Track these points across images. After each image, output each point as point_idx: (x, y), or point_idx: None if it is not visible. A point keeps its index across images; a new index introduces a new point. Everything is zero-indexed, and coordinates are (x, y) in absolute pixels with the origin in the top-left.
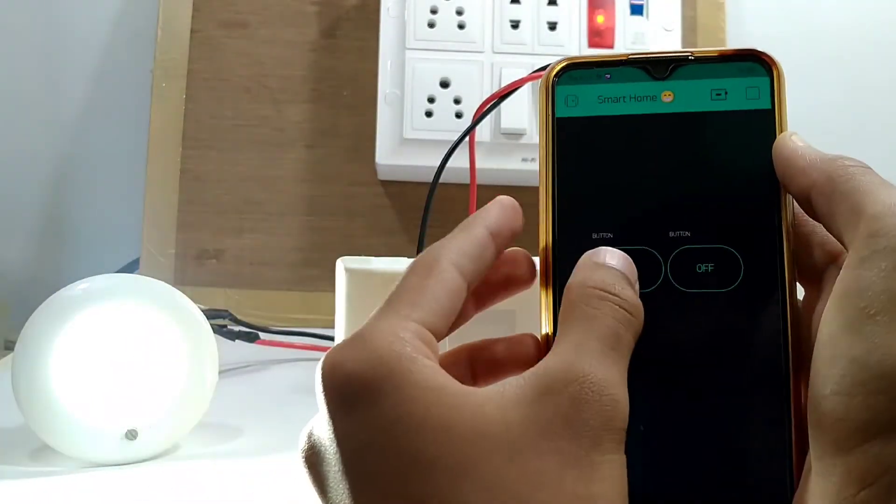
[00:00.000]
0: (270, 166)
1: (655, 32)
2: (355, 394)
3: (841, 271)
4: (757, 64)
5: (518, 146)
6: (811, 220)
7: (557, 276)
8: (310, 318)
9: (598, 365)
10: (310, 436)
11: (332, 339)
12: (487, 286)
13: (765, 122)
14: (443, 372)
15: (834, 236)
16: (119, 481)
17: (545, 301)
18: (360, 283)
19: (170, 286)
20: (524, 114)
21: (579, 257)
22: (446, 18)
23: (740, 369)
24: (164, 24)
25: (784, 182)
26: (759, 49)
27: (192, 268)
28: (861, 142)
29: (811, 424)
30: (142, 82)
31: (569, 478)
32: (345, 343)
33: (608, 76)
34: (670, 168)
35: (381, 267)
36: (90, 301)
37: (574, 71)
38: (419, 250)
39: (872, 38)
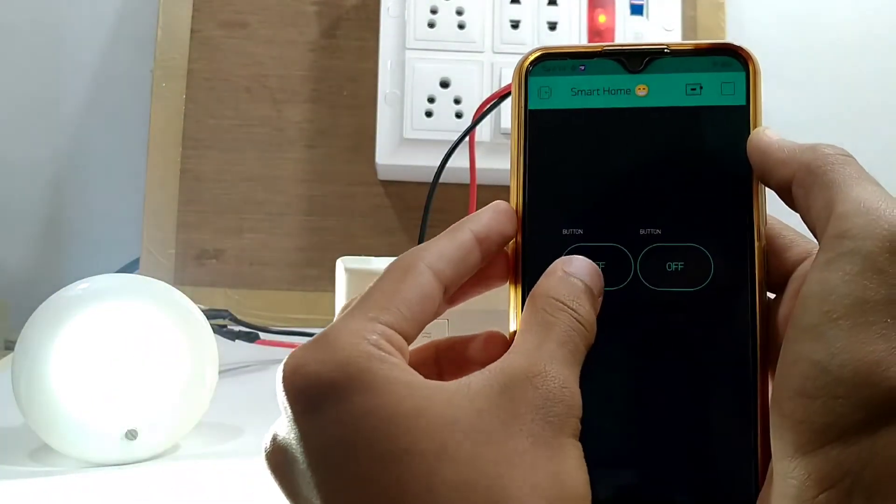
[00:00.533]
0: (270, 166)
1: (655, 32)
2: (321, 394)
3: (808, 272)
4: (733, 58)
5: None
6: (780, 221)
7: (527, 271)
8: (310, 318)
9: (557, 364)
10: (274, 438)
11: None
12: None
13: (739, 118)
14: (410, 369)
15: (810, 230)
16: (119, 481)
17: (514, 296)
18: (360, 283)
19: (170, 286)
20: None
21: (549, 254)
22: (446, 18)
23: (708, 369)
24: (164, 24)
25: (763, 176)
26: (736, 43)
27: (192, 268)
28: (859, 140)
29: (773, 426)
30: (142, 82)
31: (541, 457)
32: (307, 344)
33: (582, 68)
34: (643, 164)
35: (380, 267)
36: (90, 301)
37: (548, 62)
38: None
39: (872, 38)
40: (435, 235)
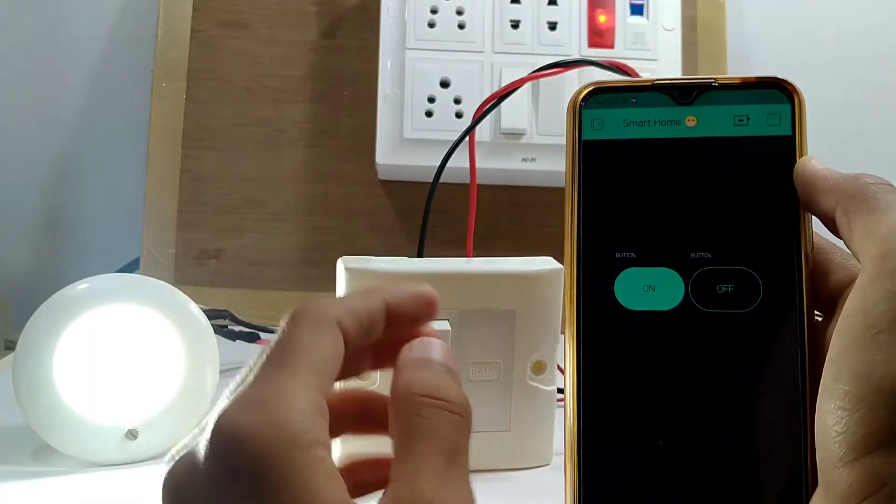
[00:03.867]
0: (270, 166)
1: (656, 32)
2: (247, 466)
3: (852, 290)
4: (779, 91)
5: (518, 146)
6: (829, 242)
7: (582, 294)
8: None
9: (443, 485)
10: (182, 458)
11: None
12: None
13: (785, 147)
14: (330, 473)
15: (854, 255)
16: (119, 481)
17: (569, 311)
18: (360, 283)
19: (170, 286)
20: (524, 114)
21: (603, 275)
22: (446, 18)
23: (758, 388)
24: (164, 24)
25: (808, 204)
26: (782, 77)
27: (192, 268)
28: (861, 140)
29: (817, 438)
30: (142, 82)
31: None
32: (247, 403)
33: (634, 100)
34: (693, 191)
35: (381, 267)
36: (91, 301)
37: (600, 95)
38: (419, 250)
39: (872, 37)
40: (435, 235)
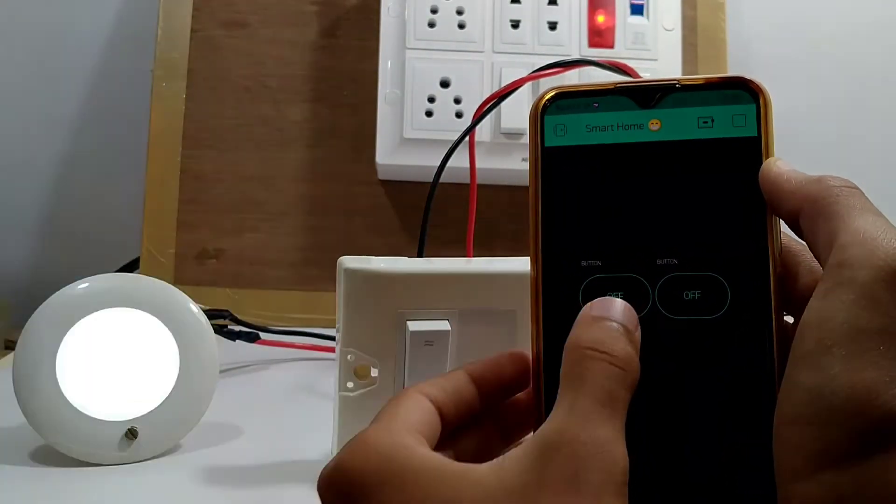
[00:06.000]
0: (270, 166)
1: (656, 32)
2: (354, 490)
3: (810, 300)
4: (743, 91)
5: (518, 146)
6: (797, 245)
7: (546, 304)
8: (310, 318)
9: (590, 425)
10: None
11: (332, 338)
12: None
13: (751, 149)
14: (440, 456)
15: (816, 261)
16: (119, 481)
17: (534, 328)
18: (360, 283)
19: (170, 286)
20: (524, 114)
21: (567, 285)
22: (446, 18)
23: (726, 396)
24: (164, 24)
25: (773, 207)
26: (746, 76)
27: (192, 268)
28: (858, 139)
29: (775, 451)
30: (142, 82)
31: None
32: (338, 452)
33: (596, 105)
34: (658, 196)
35: (381, 267)
36: (91, 301)
37: (562, 100)
38: (419, 250)
39: (871, 37)
40: (435, 235)
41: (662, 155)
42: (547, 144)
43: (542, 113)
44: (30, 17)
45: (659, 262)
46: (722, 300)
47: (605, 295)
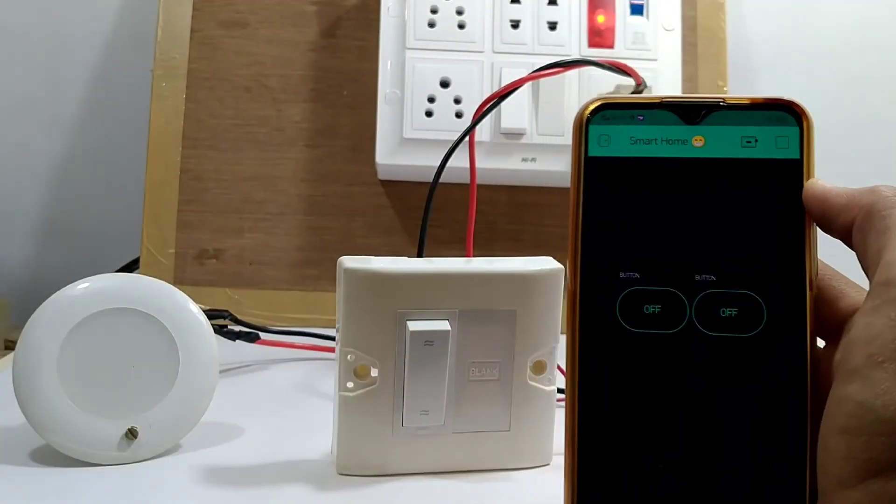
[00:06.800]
0: (270, 166)
1: (656, 32)
2: None
3: (856, 315)
4: (787, 113)
5: (518, 146)
6: (831, 268)
7: (583, 313)
8: (310, 318)
9: None
10: None
11: (332, 338)
12: None
13: (793, 171)
14: None
15: (865, 274)
16: (119, 481)
17: (570, 338)
18: (359, 282)
19: (170, 286)
20: (524, 114)
21: (605, 296)
22: (446, 18)
23: (759, 412)
24: (164, 24)
25: (824, 223)
26: (792, 99)
27: (192, 268)
28: (858, 138)
29: (819, 462)
30: (142, 82)
31: None
32: None
33: (641, 118)
34: (698, 212)
35: (380, 267)
36: (91, 301)
37: (607, 111)
38: (419, 250)
39: (871, 37)
40: (435, 235)
41: (705, 171)
42: (590, 154)
43: (587, 123)
44: (30, 18)
45: (697, 277)
46: (758, 319)
47: (643, 308)
